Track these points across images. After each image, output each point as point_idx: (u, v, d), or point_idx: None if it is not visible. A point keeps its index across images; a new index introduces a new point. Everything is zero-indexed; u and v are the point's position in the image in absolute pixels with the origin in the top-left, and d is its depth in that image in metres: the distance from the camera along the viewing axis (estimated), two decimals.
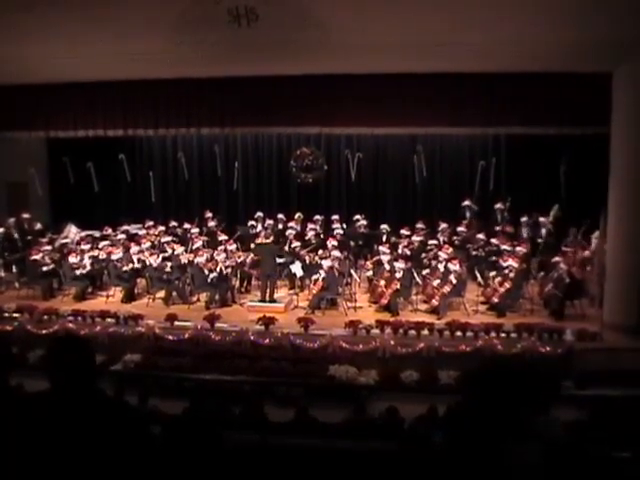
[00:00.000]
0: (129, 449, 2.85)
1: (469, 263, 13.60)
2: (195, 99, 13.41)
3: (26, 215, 16.12)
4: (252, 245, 14.33)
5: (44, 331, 11.75)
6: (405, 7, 10.38)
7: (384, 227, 15.26)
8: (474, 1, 10.23)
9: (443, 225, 15.03)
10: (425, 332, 11.14)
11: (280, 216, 16.25)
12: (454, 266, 12.38)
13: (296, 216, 16.10)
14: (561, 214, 14.42)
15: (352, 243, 15.11)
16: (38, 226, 16.04)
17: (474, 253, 14.07)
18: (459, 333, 11.09)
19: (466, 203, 15.64)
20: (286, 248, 14.45)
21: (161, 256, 13.87)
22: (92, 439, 2.78)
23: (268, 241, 13.60)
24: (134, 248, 14.13)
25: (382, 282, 12.58)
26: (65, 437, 2.79)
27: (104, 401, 3.00)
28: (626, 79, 11.14)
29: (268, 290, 12.85)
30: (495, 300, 12.20)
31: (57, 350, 3.01)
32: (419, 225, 15.11)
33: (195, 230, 15.72)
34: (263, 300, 12.78)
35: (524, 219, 14.71)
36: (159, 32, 11.03)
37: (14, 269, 14.45)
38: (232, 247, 14.24)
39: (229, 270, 13.26)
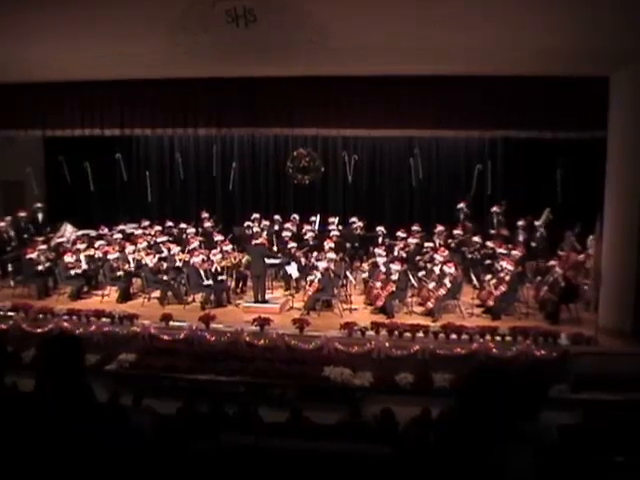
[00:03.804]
0: (117, 449, 2.83)
1: (465, 266, 13.60)
2: (192, 99, 13.39)
3: (22, 214, 16.08)
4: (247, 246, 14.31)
5: (39, 330, 11.74)
6: (403, 10, 10.40)
7: (380, 229, 15.26)
8: (472, 4, 10.25)
9: (439, 228, 15.03)
10: (420, 334, 11.16)
11: (276, 217, 16.26)
12: (450, 269, 12.38)
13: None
14: (552, 217, 14.44)
15: (348, 245, 15.11)
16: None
17: (470, 256, 14.07)
18: (454, 336, 11.10)
19: (460, 206, 15.66)
20: (275, 248, 14.45)
21: (157, 256, 13.85)
22: (78, 438, 2.77)
23: (258, 242, 13.54)
24: (130, 248, 14.12)
25: (378, 284, 12.58)
26: (51, 436, 2.77)
27: (91, 401, 2.97)
28: (623, 83, 11.16)
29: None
30: (490, 303, 12.21)
31: (47, 348, 2.99)
32: (415, 227, 15.12)
33: (191, 230, 15.71)
34: (257, 301, 12.80)
35: (520, 223, 14.70)
36: (157, 32, 11.03)
37: (9, 267, 14.40)
38: (228, 248, 14.23)
39: (224, 271, 13.25)
